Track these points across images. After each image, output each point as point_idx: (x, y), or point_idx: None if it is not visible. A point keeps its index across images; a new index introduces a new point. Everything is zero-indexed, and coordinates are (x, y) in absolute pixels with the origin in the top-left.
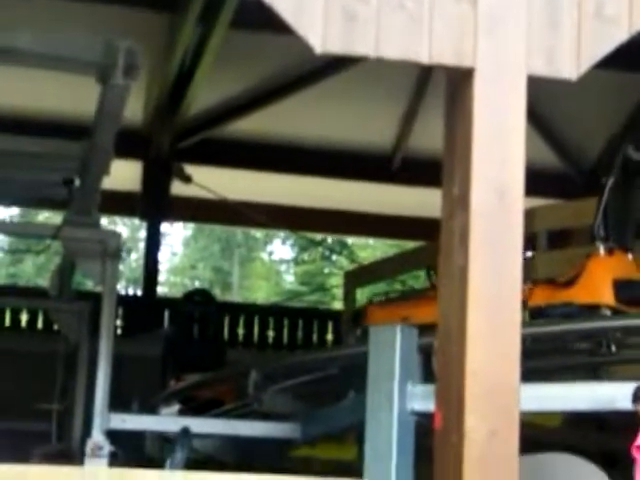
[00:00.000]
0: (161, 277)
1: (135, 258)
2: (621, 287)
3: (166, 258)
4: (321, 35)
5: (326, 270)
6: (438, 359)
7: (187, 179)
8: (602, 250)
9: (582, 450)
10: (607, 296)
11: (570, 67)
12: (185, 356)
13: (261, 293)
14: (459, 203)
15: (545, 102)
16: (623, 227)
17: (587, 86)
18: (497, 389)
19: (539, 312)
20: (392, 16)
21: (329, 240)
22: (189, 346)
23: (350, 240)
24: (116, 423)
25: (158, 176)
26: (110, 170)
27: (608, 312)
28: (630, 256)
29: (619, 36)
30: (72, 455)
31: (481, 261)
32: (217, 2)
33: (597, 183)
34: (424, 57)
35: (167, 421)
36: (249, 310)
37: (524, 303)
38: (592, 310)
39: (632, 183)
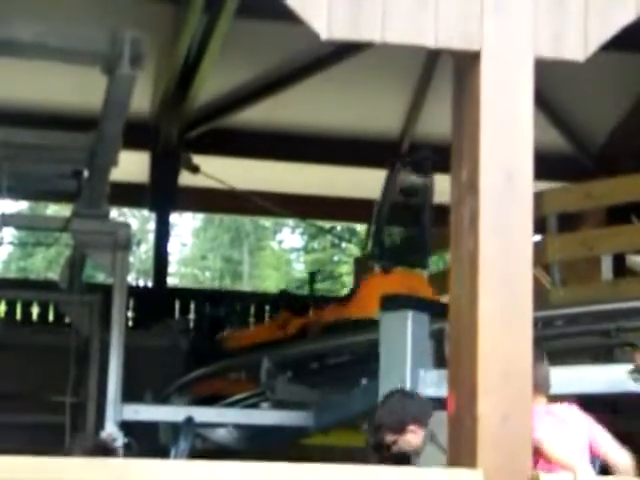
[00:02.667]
0: (171, 268)
1: (145, 249)
2: (385, 301)
3: (176, 249)
4: (326, 21)
5: (336, 258)
6: (450, 344)
7: (195, 169)
8: (377, 269)
9: None
10: (375, 310)
11: (577, 49)
12: (206, 348)
13: (271, 282)
14: (468, 188)
15: (553, 85)
16: (404, 246)
17: (595, 68)
18: (509, 373)
19: (332, 327)
20: (397, 0)
21: (338, 228)
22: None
23: (359, 227)
24: (129, 414)
25: (166, 167)
26: (118, 161)
27: None
28: (419, 273)
29: (626, 17)
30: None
31: (491, 245)
32: None
33: (606, 165)
34: (430, 41)
35: (179, 412)
36: (260, 299)
37: (317, 323)
38: (366, 323)
39: (409, 204)
